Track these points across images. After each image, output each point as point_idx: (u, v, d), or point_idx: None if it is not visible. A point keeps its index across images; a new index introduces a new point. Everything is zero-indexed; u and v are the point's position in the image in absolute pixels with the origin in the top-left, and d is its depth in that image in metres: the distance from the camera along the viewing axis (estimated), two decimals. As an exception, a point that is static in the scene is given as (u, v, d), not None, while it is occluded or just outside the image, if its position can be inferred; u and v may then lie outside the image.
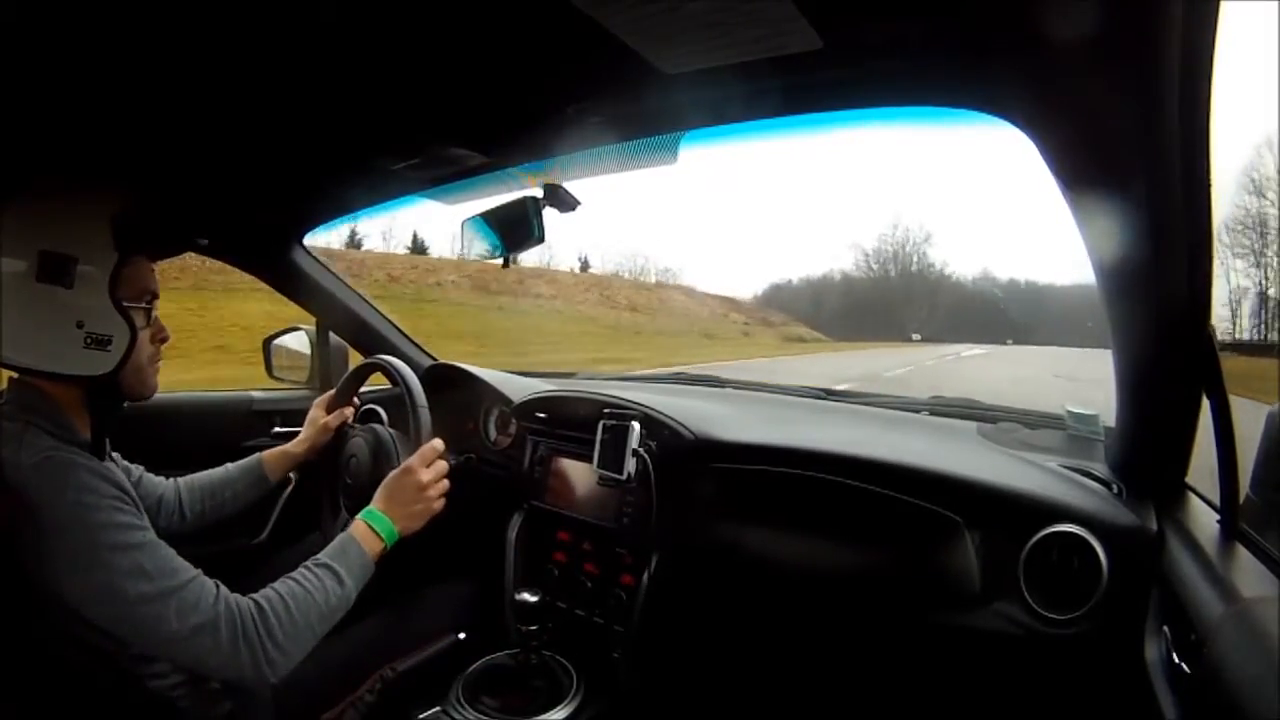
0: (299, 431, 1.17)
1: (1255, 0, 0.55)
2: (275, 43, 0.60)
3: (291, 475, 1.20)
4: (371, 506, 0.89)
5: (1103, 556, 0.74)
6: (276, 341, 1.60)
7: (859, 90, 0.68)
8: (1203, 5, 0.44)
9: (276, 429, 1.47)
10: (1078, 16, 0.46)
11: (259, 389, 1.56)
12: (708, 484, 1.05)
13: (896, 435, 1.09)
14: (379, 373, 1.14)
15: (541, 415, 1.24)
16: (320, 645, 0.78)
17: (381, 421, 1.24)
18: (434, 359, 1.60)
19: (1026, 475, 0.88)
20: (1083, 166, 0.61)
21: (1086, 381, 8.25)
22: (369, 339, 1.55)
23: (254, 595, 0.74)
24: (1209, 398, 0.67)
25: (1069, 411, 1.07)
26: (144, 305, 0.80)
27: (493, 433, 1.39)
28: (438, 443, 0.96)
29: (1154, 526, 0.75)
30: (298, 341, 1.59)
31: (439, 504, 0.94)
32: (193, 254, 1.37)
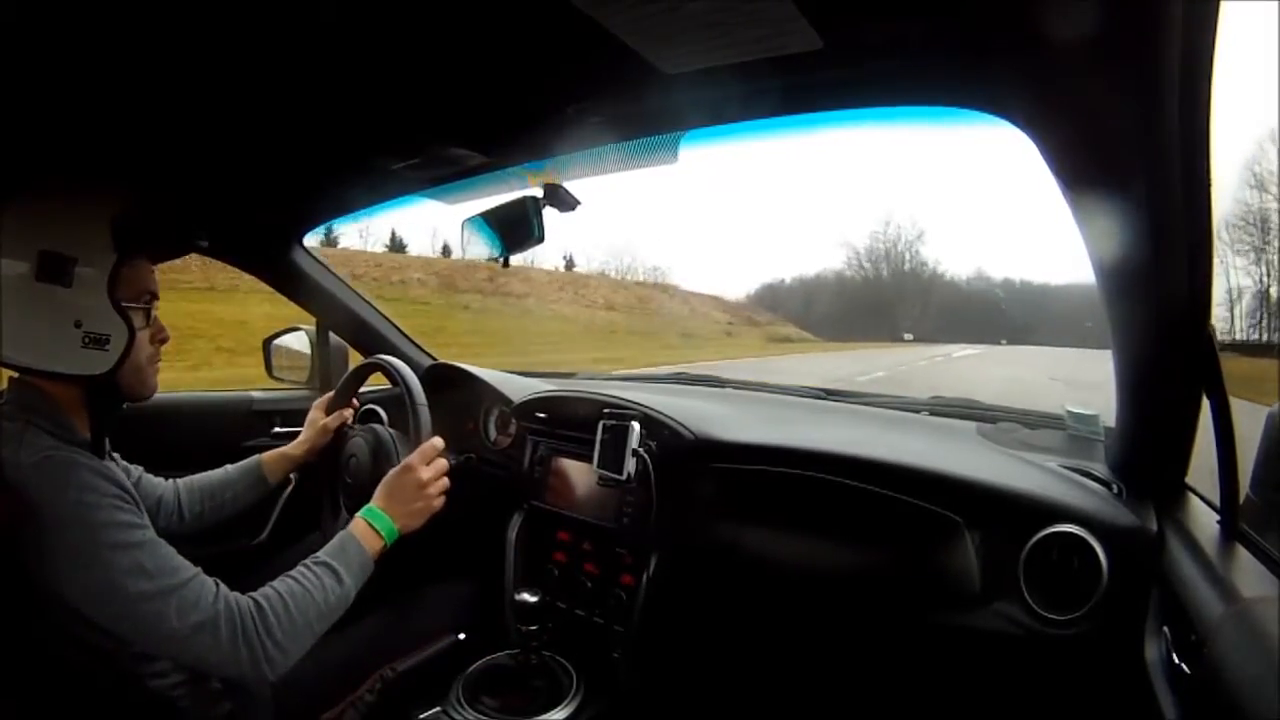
0: (299, 431, 1.17)
1: (1255, 0, 0.55)
2: (275, 43, 0.60)
3: (291, 475, 1.20)
4: (371, 504, 0.89)
5: (1103, 557, 0.74)
6: (276, 341, 1.60)
7: (859, 90, 0.68)
8: (1203, 5, 0.44)
9: (276, 429, 1.47)
10: (1078, 16, 0.46)
11: (259, 389, 1.56)
12: (707, 484, 1.05)
13: (896, 435, 1.09)
14: (379, 373, 1.14)
15: (541, 415, 1.24)
16: (320, 645, 0.78)
17: (381, 421, 1.24)
18: (434, 359, 1.60)
19: (1026, 475, 0.88)
20: (1083, 166, 0.61)
21: (1085, 384, 7.96)
22: (369, 339, 1.55)
23: (253, 594, 0.74)
24: (1209, 398, 0.67)
25: (1069, 412, 1.07)
26: (143, 305, 0.80)
27: (493, 433, 1.39)
28: (438, 441, 0.96)
29: (1154, 527, 0.75)
30: (298, 341, 1.59)
31: (439, 502, 0.94)
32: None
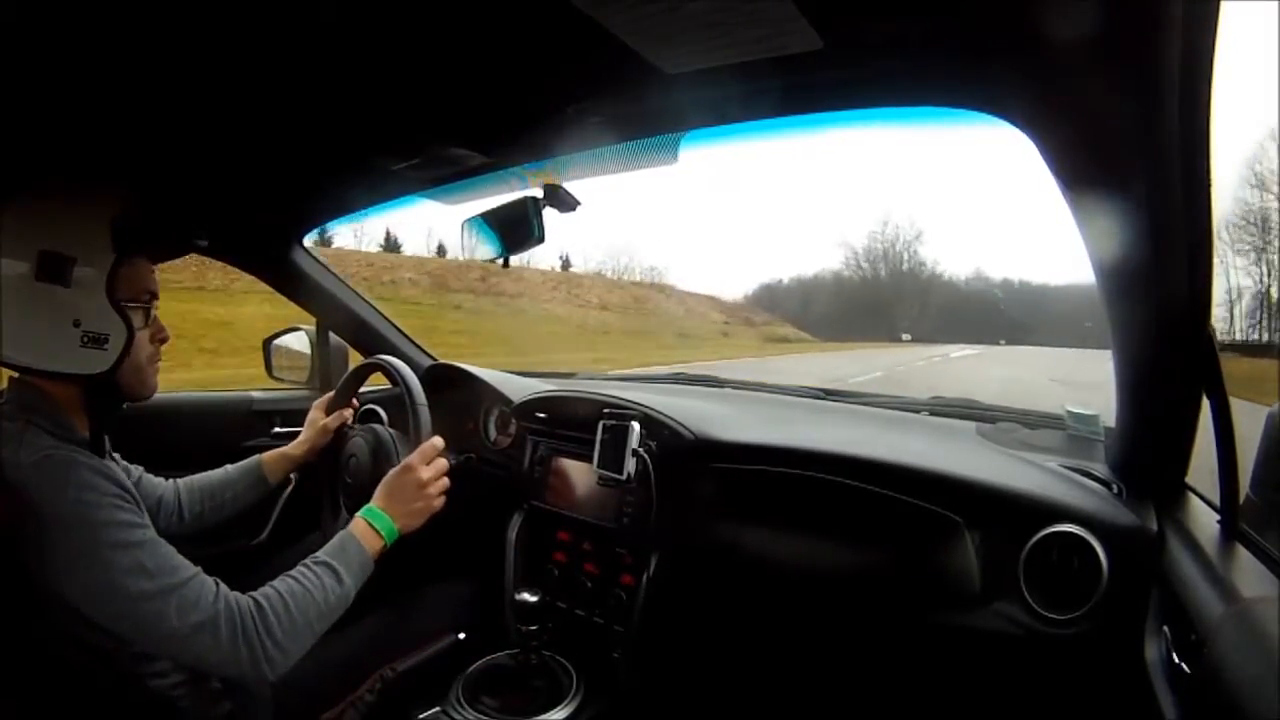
0: (299, 432, 1.17)
1: (1255, 0, 0.55)
2: (275, 43, 0.60)
3: (291, 475, 1.20)
4: (371, 504, 0.89)
5: (1103, 556, 0.74)
6: (276, 342, 1.60)
7: (859, 90, 0.68)
8: (1203, 5, 0.44)
9: (276, 429, 1.47)
10: (1078, 16, 0.46)
11: (259, 389, 1.56)
12: (707, 484, 1.05)
13: (896, 435, 1.09)
14: (379, 373, 1.14)
15: (541, 415, 1.24)
16: (320, 645, 0.78)
17: (381, 421, 1.24)
18: (434, 359, 1.60)
19: (1026, 475, 0.88)
20: (1083, 166, 0.61)
21: (1085, 385, 7.81)
22: (369, 339, 1.55)
23: (253, 593, 0.74)
24: (1209, 398, 0.67)
25: (1069, 412, 1.07)
26: (142, 305, 0.80)
27: (493, 433, 1.39)
28: (437, 440, 0.96)
29: (1154, 526, 0.75)
30: (298, 341, 1.59)
31: (439, 502, 0.94)
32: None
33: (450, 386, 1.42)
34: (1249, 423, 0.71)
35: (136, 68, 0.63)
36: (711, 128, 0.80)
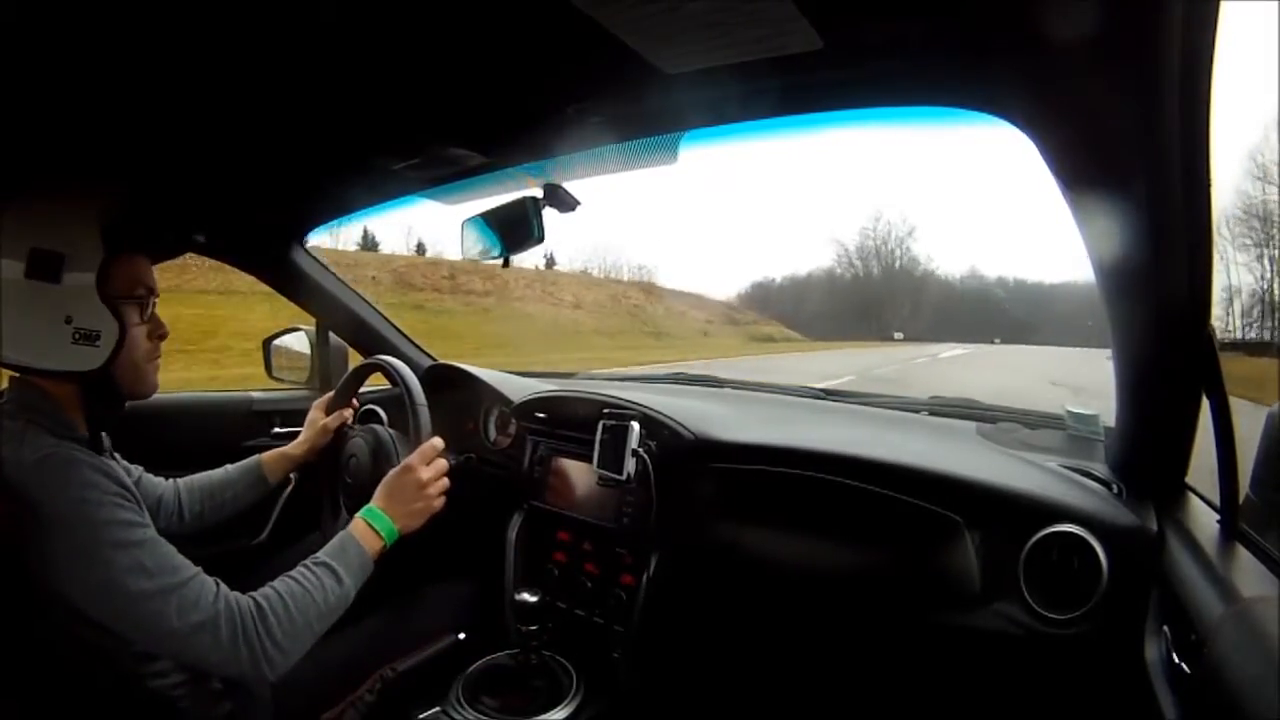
0: (299, 432, 1.17)
1: (1255, 0, 0.55)
2: (275, 43, 0.60)
3: (291, 475, 1.20)
4: (371, 505, 0.89)
5: (1103, 556, 0.74)
6: (276, 342, 1.60)
7: (859, 90, 0.68)
8: (1203, 5, 0.44)
9: (276, 429, 1.47)
10: (1078, 16, 0.46)
11: (259, 389, 1.56)
12: (707, 484, 1.05)
13: (896, 435, 1.09)
14: (379, 373, 1.14)
15: (541, 415, 1.24)
16: (320, 645, 0.78)
17: (381, 422, 1.24)
18: (434, 359, 1.61)
19: (1026, 475, 0.88)
20: (1083, 166, 0.61)
21: (1090, 391, 7.33)
22: (369, 339, 1.55)
23: (253, 594, 0.74)
24: (1209, 398, 0.67)
25: (1069, 412, 1.07)
26: (136, 301, 0.79)
27: (492, 433, 1.39)
28: (437, 441, 0.96)
29: (1154, 526, 0.75)
30: (298, 342, 1.59)
31: (439, 502, 0.94)
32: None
33: (450, 386, 1.42)
34: (1249, 423, 0.71)
35: (137, 67, 0.63)
36: (711, 128, 0.80)
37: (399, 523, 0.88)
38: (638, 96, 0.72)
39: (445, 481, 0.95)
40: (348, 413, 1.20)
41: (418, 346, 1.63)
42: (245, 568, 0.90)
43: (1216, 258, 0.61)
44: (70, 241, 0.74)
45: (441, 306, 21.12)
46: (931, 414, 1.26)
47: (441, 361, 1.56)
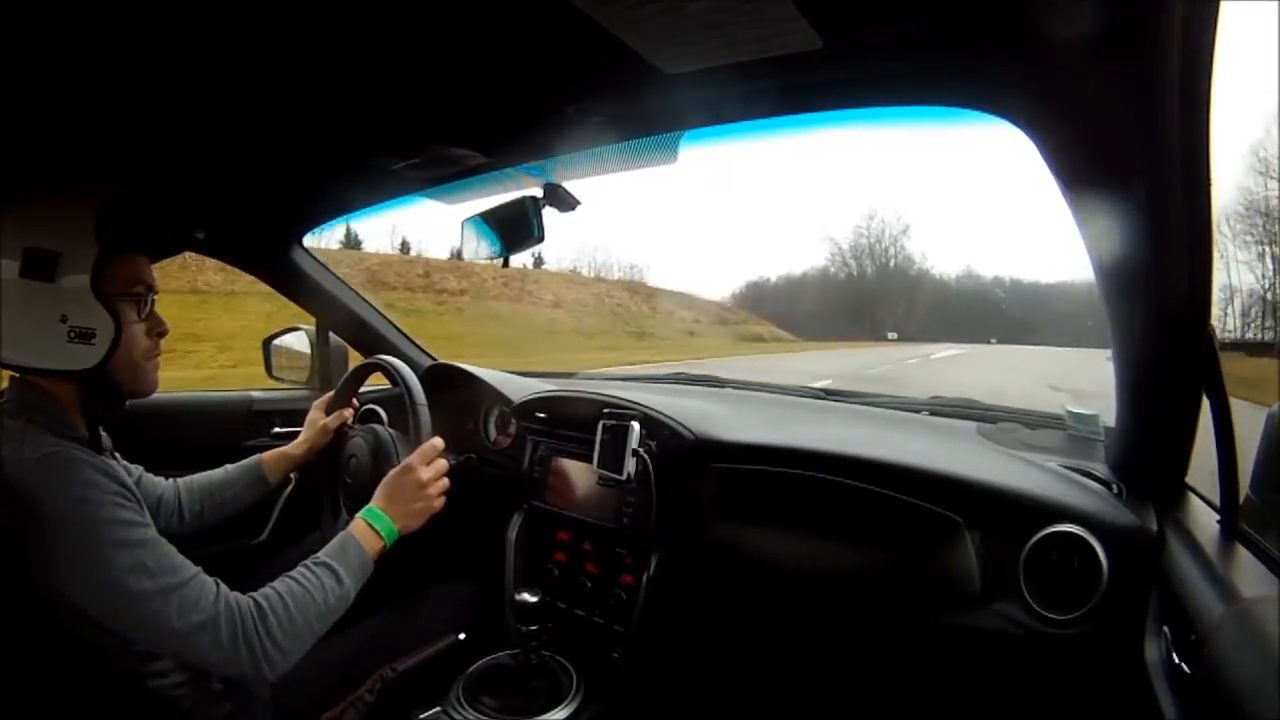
0: (299, 432, 1.17)
1: (1255, 0, 0.55)
2: (275, 43, 0.60)
3: (291, 475, 1.20)
4: (371, 505, 0.89)
5: (1103, 556, 0.74)
6: (276, 342, 1.60)
7: (859, 90, 0.68)
8: (1203, 5, 0.44)
9: (276, 429, 1.47)
10: (1078, 16, 0.46)
11: (259, 389, 1.56)
12: (707, 484, 1.05)
13: (896, 435, 1.09)
14: (379, 373, 1.14)
15: (541, 415, 1.24)
16: (320, 645, 0.78)
17: (381, 421, 1.24)
18: (434, 359, 1.61)
19: (1026, 475, 0.88)
20: (1083, 166, 0.61)
21: (1088, 394, 6.80)
22: (369, 339, 1.55)
23: (253, 594, 0.74)
24: (1209, 398, 0.67)
25: (1069, 411, 1.07)
26: (133, 298, 0.79)
27: (493, 433, 1.39)
28: (437, 441, 0.96)
29: (1154, 526, 0.75)
30: (298, 341, 1.59)
31: (439, 502, 0.94)
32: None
33: (450, 386, 1.42)
34: (1249, 424, 0.71)
35: (138, 67, 0.63)
36: (711, 127, 0.80)
37: (399, 523, 0.88)
38: (638, 96, 0.72)
39: (445, 481, 0.95)
40: (348, 412, 1.20)
41: (418, 346, 1.63)
42: (245, 568, 0.90)
43: (1217, 256, 0.61)
44: (65, 241, 0.73)
45: (413, 306, 20.60)
46: (932, 414, 1.26)
47: (442, 361, 1.56)
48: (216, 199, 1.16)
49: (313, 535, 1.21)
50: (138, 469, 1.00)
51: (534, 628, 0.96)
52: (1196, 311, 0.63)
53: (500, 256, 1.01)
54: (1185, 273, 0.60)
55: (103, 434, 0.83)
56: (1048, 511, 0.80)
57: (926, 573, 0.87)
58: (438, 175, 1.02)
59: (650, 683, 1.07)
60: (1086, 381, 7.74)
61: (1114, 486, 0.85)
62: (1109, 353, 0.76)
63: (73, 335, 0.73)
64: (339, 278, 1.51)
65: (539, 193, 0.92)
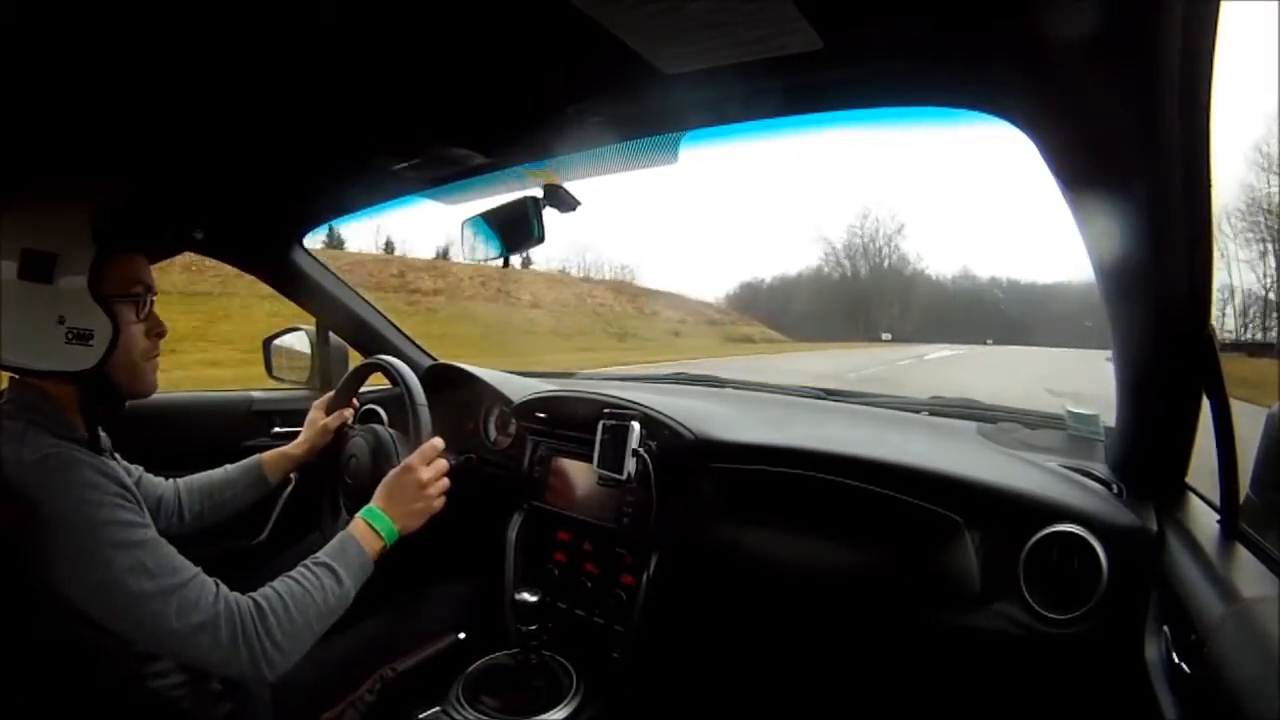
0: (299, 432, 1.17)
1: (1255, 0, 0.55)
2: (276, 42, 0.60)
3: (291, 475, 1.20)
4: (371, 505, 0.89)
5: (1103, 556, 0.74)
6: (276, 342, 1.60)
7: (859, 90, 0.68)
8: (1203, 5, 0.44)
9: (276, 429, 1.47)
10: (1078, 16, 0.46)
11: (259, 389, 1.56)
12: (708, 484, 1.05)
13: (896, 435, 1.09)
14: (379, 373, 1.14)
15: (541, 415, 1.24)
16: (320, 645, 0.78)
17: (381, 421, 1.24)
18: (434, 359, 1.61)
19: (1026, 475, 0.88)
20: (1083, 166, 0.61)
21: (1090, 398, 7.01)
22: (369, 339, 1.55)
23: (253, 594, 0.74)
24: (1209, 398, 0.67)
25: (1069, 411, 1.07)
26: (132, 299, 0.79)
27: (493, 433, 1.39)
28: (437, 441, 0.96)
29: (1154, 526, 0.75)
30: (298, 341, 1.59)
31: (439, 502, 0.94)
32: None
33: (450, 386, 1.42)
34: (1249, 424, 0.71)
35: (137, 66, 0.63)
36: (711, 128, 0.80)
37: (399, 523, 0.88)
38: (638, 96, 0.72)
39: (445, 482, 0.95)
40: (348, 412, 1.20)
41: (418, 346, 1.63)
42: (245, 568, 0.90)
43: (1217, 255, 0.62)
44: (63, 242, 0.73)
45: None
46: (932, 414, 1.26)
47: (442, 361, 1.56)
48: (216, 199, 1.16)
49: (313, 535, 1.20)
50: (138, 469, 1.00)
51: (534, 627, 0.96)
52: (1196, 311, 0.63)
53: (500, 256, 1.01)
54: (1185, 273, 0.60)
55: (102, 434, 0.83)
56: (1048, 511, 0.80)
57: (926, 573, 0.87)
58: (438, 175, 1.01)
59: (650, 683, 1.07)
60: (1086, 384, 7.56)
61: (1114, 486, 0.85)
62: (1109, 353, 0.76)
63: (71, 336, 0.73)
64: (339, 278, 1.51)
65: (539, 193, 0.92)
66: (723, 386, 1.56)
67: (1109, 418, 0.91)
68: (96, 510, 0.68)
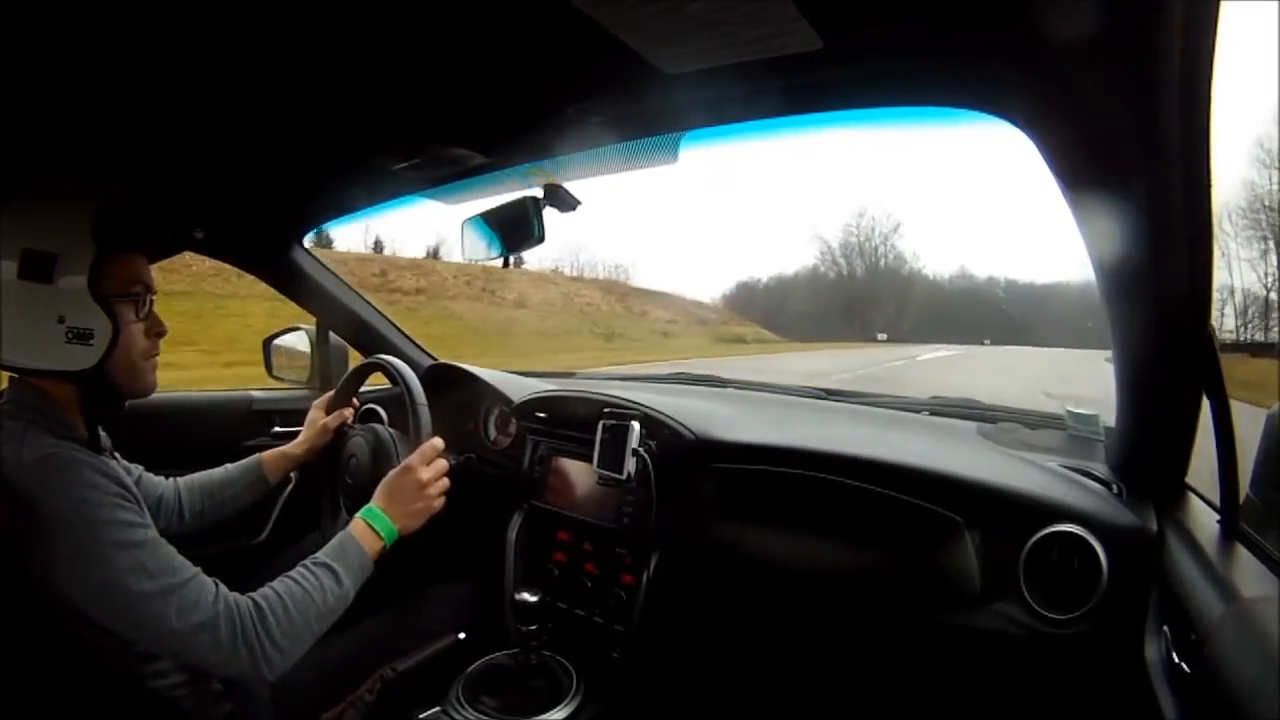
0: (299, 431, 1.17)
1: (1255, 0, 0.55)
2: (276, 42, 0.60)
3: (291, 475, 1.20)
4: (371, 505, 0.89)
5: (1103, 556, 0.74)
6: (276, 341, 1.60)
7: (859, 90, 0.68)
8: (1203, 5, 0.44)
9: (276, 429, 1.47)
10: (1078, 16, 0.46)
11: (259, 389, 1.56)
12: (708, 484, 1.05)
13: (897, 435, 1.09)
14: (379, 372, 1.14)
15: (541, 415, 1.24)
16: (320, 645, 0.78)
17: (381, 421, 1.24)
18: (434, 359, 1.61)
19: (1026, 475, 0.88)
20: (1083, 166, 0.61)
21: (1090, 401, 6.77)
22: (369, 339, 1.55)
23: (252, 594, 0.75)
24: (1209, 398, 0.67)
25: (1069, 411, 1.07)
26: (132, 298, 0.79)
27: (493, 433, 1.39)
28: (437, 441, 0.96)
29: (1154, 526, 0.75)
30: (298, 341, 1.59)
31: (439, 502, 0.94)
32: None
33: (450, 386, 1.42)
34: (1249, 425, 0.71)
35: (137, 66, 0.63)
36: (711, 128, 0.80)
37: (399, 523, 0.88)
38: (638, 96, 0.72)
39: (445, 482, 0.95)
40: (348, 412, 1.20)
41: (418, 346, 1.63)
42: (245, 568, 0.90)
43: (1217, 254, 0.61)
44: (63, 242, 0.73)
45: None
46: (932, 414, 1.26)
47: (442, 361, 1.56)
48: (216, 199, 1.16)
49: (313, 535, 1.21)
50: (138, 469, 1.00)
51: (534, 627, 0.96)
52: (1196, 311, 0.63)
53: (500, 256, 1.01)
54: (1185, 272, 0.60)
55: (102, 434, 0.83)
56: (1048, 511, 0.80)
57: (926, 572, 0.87)
58: (438, 175, 1.02)
59: (650, 683, 1.07)
60: (1086, 388, 7.46)
61: (1114, 486, 0.85)
62: (1108, 354, 0.76)
63: (71, 336, 0.73)
64: (339, 278, 1.51)
65: (539, 193, 0.92)
66: (723, 386, 1.56)
67: (1109, 418, 0.91)
68: (96, 510, 0.68)
